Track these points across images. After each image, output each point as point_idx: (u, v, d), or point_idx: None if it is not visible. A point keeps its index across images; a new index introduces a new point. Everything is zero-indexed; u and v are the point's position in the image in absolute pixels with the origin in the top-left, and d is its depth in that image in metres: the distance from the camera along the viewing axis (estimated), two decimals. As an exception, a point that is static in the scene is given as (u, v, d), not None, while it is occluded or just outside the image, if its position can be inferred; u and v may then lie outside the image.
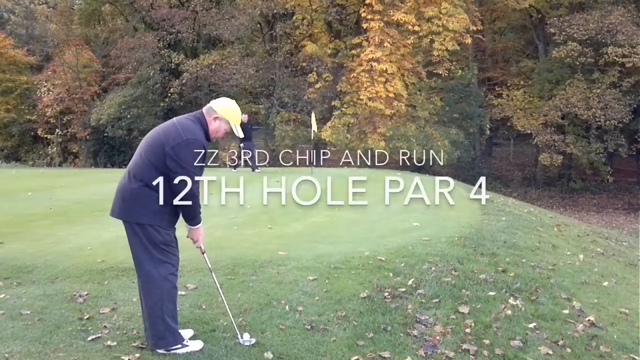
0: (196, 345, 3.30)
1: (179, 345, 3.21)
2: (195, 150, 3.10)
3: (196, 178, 3.09)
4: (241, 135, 3.53)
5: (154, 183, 3.09)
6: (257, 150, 16.22)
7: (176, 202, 3.09)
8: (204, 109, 3.30)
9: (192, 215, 3.22)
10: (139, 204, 3.12)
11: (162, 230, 3.17)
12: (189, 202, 3.10)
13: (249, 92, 26.28)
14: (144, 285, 3.19)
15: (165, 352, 3.19)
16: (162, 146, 3.10)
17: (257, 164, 15.91)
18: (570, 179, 25.67)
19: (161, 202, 3.10)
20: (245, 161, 16.12)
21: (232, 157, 16.55)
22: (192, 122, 3.21)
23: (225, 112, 3.30)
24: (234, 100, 3.46)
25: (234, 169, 16.69)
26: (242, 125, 16.80)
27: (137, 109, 24.74)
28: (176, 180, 3.05)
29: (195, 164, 3.10)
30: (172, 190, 3.09)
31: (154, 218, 3.13)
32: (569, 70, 23.04)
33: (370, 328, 3.74)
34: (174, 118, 3.31)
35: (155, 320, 3.16)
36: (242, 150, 15.87)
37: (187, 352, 3.21)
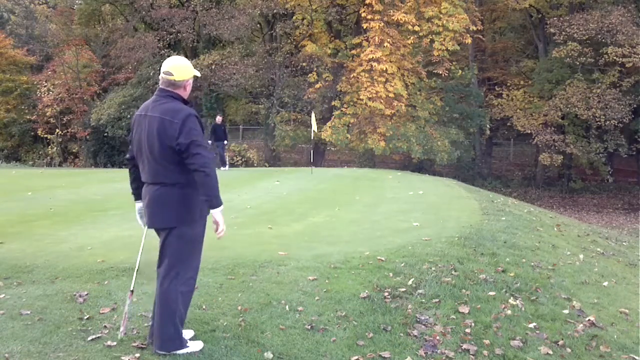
0: (196, 345, 3.30)
1: (181, 348, 3.23)
2: (197, 123, 3.10)
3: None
4: (197, 73, 3.35)
5: (179, 178, 3.10)
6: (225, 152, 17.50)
7: (199, 176, 3.02)
8: (166, 87, 3.18)
9: (216, 192, 3.11)
10: (179, 206, 3.12)
11: (200, 225, 3.23)
12: (210, 176, 3.04)
13: (249, 92, 26.28)
14: (169, 288, 3.15)
15: (165, 352, 3.19)
16: (164, 135, 3.05)
17: (226, 162, 17.33)
18: (570, 179, 25.69)
19: (196, 195, 3.12)
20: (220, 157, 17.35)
21: (222, 157, 17.10)
22: (173, 102, 3.15)
23: (187, 73, 3.20)
24: (173, 56, 3.32)
25: (224, 167, 17.09)
26: (216, 125, 17.14)
27: (137, 109, 24.73)
28: (194, 156, 3.00)
29: (201, 134, 3.10)
30: (194, 171, 3.04)
31: (190, 214, 3.16)
32: (569, 70, 23.05)
33: (370, 328, 3.74)
34: (153, 115, 3.14)
35: (167, 323, 3.16)
36: (217, 149, 17.11)
37: (187, 352, 3.22)
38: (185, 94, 3.24)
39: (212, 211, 3.14)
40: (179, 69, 3.17)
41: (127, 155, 3.38)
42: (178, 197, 3.11)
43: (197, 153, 3.02)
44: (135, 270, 3.43)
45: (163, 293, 3.16)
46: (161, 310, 3.17)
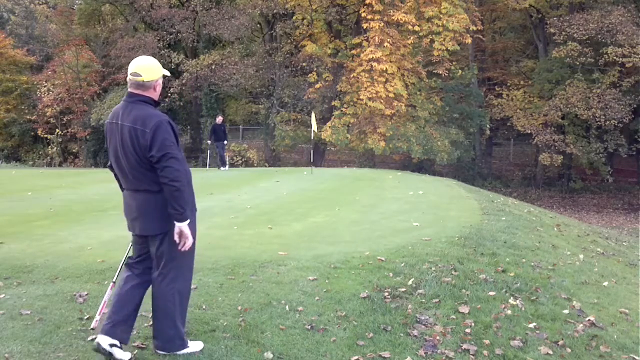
0: (196, 346, 3.30)
1: (182, 349, 3.22)
2: (169, 130, 2.99)
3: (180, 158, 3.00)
4: (166, 73, 3.27)
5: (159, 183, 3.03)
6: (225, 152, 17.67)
7: (168, 190, 2.93)
8: (135, 89, 3.07)
9: (185, 206, 2.98)
10: (160, 212, 3.05)
11: (191, 224, 3.15)
12: (180, 190, 2.94)
13: (249, 92, 26.29)
14: (166, 289, 3.12)
15: (165, 353, 3.19)
16: (138, 146, 2.96)
17: (225, 162, 17.41)
18: (570, 179, 25.70)
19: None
20: (219, 157, 17.54)
21: (221, 157, 17.18)
22: (143, 107, 3.04)
23: (156, 73, 3.10)
24: (140, 57, 3.19)
25: (224, 167, 17.14)
26: (216, 125, 17.24)
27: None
28: (165, 169, 2.91)
29: (174, 143, 3.00)
30: (163, 184, 2.95)
31: (192, 220, 3.11)
32: (569, 70, 23.06)
33: (370, 328, 3.74)
34: (124, 123, 3.03)
35: (168, 324, 3.14)
36: (217, 149, 17.25)
37: (187, 352, 3.22)
38: (155, 95, 3.14)
39: (178, 224, 2.99)
40: (147, 69, 3.06)
41: (109, 163, 3.28)
42: (165, 203, 3.02)
43: (168, 166, 2.92)
44: (121, 263, 3.41)
45: (161, 295, 3.13)
46: (160, 313, 3.15)
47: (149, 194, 3.05)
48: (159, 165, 2.94)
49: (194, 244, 3.17)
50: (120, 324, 3.06)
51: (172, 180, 2.92)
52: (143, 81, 3.05)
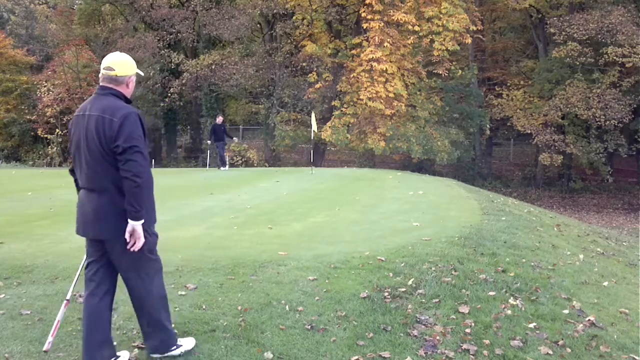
0: (189, 343, 3.27)
1: (174, 347, 3.18)
2: (138, 123, 2.88)
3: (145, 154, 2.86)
4: (139, 72, 3.19)
5: (120, 183, 2.87)
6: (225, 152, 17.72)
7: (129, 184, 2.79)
8: (107, 83, 2.99)
9: (142, 205, 2.83)
10: (120, 214, 2.87)
11: (152, 233, 3.04)
12: (141, 187, 2.80)
13: (249, 92, 26.29)
14: (147, 291, 3.02)
15: (160, 355, 3.15)
16: (103, 136, 2.83)
17: (225, 162, 17.45)
18: (570, 179, 25.70)
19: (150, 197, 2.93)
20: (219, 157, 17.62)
21: (222, 157, 17.20)
22: (113, 99, 2.95)
23: (130, 69, 3.03)
24: (114, 52, 3.12)
25: (224, 167, 17.17)
26: (216, 125, 17.25)
27: (137, 109, 24.60)
28: (128, 162, 2.77)
29: (141, 137, 2.88)
30: (124, 178, 2.80)
31: (147, 220, 2.93)
32: (569, 70, 23.06)
33: (370, 328, 3.74)
34: (91, 113, 2.92)
35: (157, 326, 3.09)
36: (217, 149, 17.30)
37: (183, 351, 3.20)
38: (127, 91, 3.05)
39: (132, 222, 2.83)
40: (120, 64, 3.00)
41: (70, 166, 3.12)
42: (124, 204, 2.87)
43: (132, 160, 2.78)
44: (76, 278, 3.26)
45: (143, 298, 3.03)
46: (146, 316, 3.06)
47: (109, 194, 2.89)
48: (122, 157, 2.79)
49: (151, 244, 3.02)
50: (100, 347, 2.99)
51: (134, 175, 2.78)
52: (116, 75, 2.98)
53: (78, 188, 3.10)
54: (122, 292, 4.12)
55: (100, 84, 3.02)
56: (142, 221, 2.86)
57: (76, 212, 3.05)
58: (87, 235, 3.01)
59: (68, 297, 3.19)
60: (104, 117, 2.85)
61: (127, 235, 2.87)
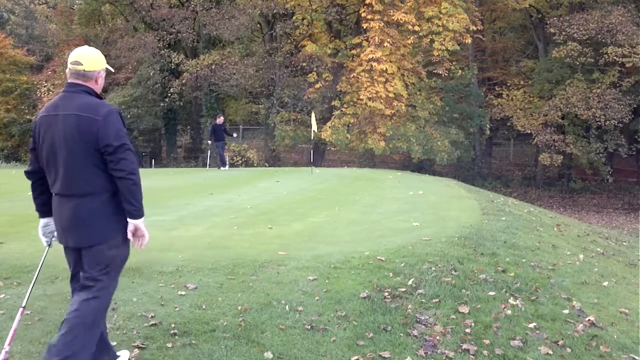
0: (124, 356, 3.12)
1: None
2: (121, 120, 2.78)
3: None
4: (109, 68, 3.08)
5: (107, 183, 2.75)
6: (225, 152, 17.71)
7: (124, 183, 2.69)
8: (75, 79, 2.82)
9: (141, 200, 2.76)
10: (109, 217, 2.78)
11: (126, 241, 2.87)
12: (137, 184, 2.73)
13: (249, 92, 26.28)
14: (85, 306, 2.71)
15: None
16: (86, 135, 2.68)
17: (225, 162, 17.44)
18: (570, 179, 25.71)
19: (118, 203, 2.78)
20: (219, 157, 17.61)
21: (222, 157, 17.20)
22: (87, 96, 2.80)
23: (99, 64, 2.88)
24: (82, 47, 2.97)
25: (224, 167, 17.17)
26: (216, 125, 17.18)
27: (137, 109, 24.78)
28: (121, 161, 2.67)
29: (127, 134, 2.80)
30: (120, 178, 2.71)
31: (120, 227, 2.80)
32: (569, 70, 23.07)
33: (370, 328, 3.74)
34: (67, 112, 2.74)
35: (73, 344, 2.67)
36: (217, 149, 17.28)
37: None
38: (97, 87, 2.89)
39: (134, 221, 2.77)
40: (89, 58, 2.84)
41: (29, 168, 2.91)
42: (110, 207, 2.77)
43: (125, 158, 2.69)
44: (32, 286, 3.10)
45: (79, 317, 2.72)
46: (69, 331, 2.69)
47: (94, 197, 2.75)
48: (114, 157, 2.68)
49: (125, 253, 2.90)
50: (101, 353, 2.90)
51: (130, 173, 2.69)
52: (84, 70, 2.82)
53: (37, 196, 2.92)
54: (121, 292, 4.13)
55: (69, 80, 2.85)
56: (144, 218, 2.80)
57: (53, 220, 2.89)
58: (66, 243, 2.85)
59: (24, 304, 3.00)
60: (84, 116, 2.70)
61: (129, 235, 2.80)
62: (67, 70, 2.87)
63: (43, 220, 2.97)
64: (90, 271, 2.79)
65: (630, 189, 25.16)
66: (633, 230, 16.04)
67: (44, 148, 2.78)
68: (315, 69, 22.34)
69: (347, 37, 23.94)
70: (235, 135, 17.36)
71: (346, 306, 4.03)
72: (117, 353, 3.10)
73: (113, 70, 3.22)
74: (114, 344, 3.30)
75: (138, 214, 2.77)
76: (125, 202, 2.75)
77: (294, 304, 4.00)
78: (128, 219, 2.79)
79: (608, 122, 21.13)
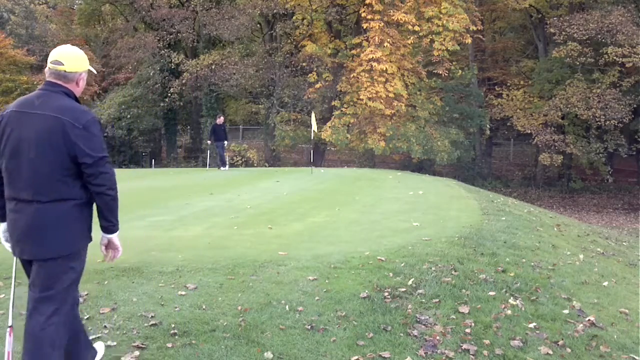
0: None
1: None
2: (100, 130, 2.63)
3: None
4: (92, 69, 2.90)
5: (75, 193, 2.57)
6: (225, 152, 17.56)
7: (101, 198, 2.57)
8: (55, 79, 2.62)
9: (117, 213, 2.63)
10: (75, 228, 2.60)
11: (85, 252, 2.72)
12: (116, 200, 2.62)
13: (249, 92, 26.30)
14: (45, 325, 2.54)
15: None
16: (62, 140, 2.49)
17: (225, 162, 17.28)
18: (570, 179, 25.72)
19: (90, 210, 2.64)
20: (219, 157, 17.54)
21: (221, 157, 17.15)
22: (66, 99, 2.61)
23: (81, 65, 2.69)
24: (64, 45, 2.76)
25: (224, 167, 17.14)
26: (216, 126, 17.04)
27: (137, 109, 24.81)
28: (102, 175, 2.54)
29: (104, 144, 2.66)
30: (98, 193, 2.57)
31: (85, 237, 2.67)
32: (569, 70, 23.09)
33: (370, 328, 3.74)
34: (42, 112, 2.54)
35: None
36: (217, 149, 17.18)
37: None
38: (77, 90, 2.70)
39: (109, 236, 2.68)
40: (70, 58, 2.65)
41: None
42: (75, 217, 2.58)
43: (105, 172, 2.55)
44: (11, 303, 2.90)
45: (37, 333, 2.56)
46: (29, 355, 2.55)
47: (53, 205, 2.53)
48: (94, 169, 2.52)
49: (83, 265, 2.74)
50: (86, 350, 2.85)
51: (109, 188, 2.56)
52: (65, 71, 2.62)
53: None
54: (121, 292, 4.13)
55: (47, 79, 2.64)
56: (118, 232, 2.70)
57: (7, 228, 2.66)
58: (21, 254, 2.64)
59: (10, 323, 2.79)
60: (63, 120, 2.50)
61: (102, 249, 2.71)
62: (45, 69, 2.68)
63: (3, 225, 2.74)
64: (48, 284, 2.59)
65: (630, 189, 25.16)
66: (633, 230, 16.04)
67: (8, 147, 2.55)
68: (315, 69, 22.35)
69: (347, 37, 23.96)
70: (225, 143, 16.90)
71: (346, 306, 4.02)
72: (94, 345, 3.06)
73: (96, 73, 3.15)
74: (114, 344, 3.30)
75: (114, 229, 2.67)
76: (102, 218, 2.63)
77: (294, 304, 4.00)
78: (102, 233, 2.68)
79: (608, 122, 21.15)
